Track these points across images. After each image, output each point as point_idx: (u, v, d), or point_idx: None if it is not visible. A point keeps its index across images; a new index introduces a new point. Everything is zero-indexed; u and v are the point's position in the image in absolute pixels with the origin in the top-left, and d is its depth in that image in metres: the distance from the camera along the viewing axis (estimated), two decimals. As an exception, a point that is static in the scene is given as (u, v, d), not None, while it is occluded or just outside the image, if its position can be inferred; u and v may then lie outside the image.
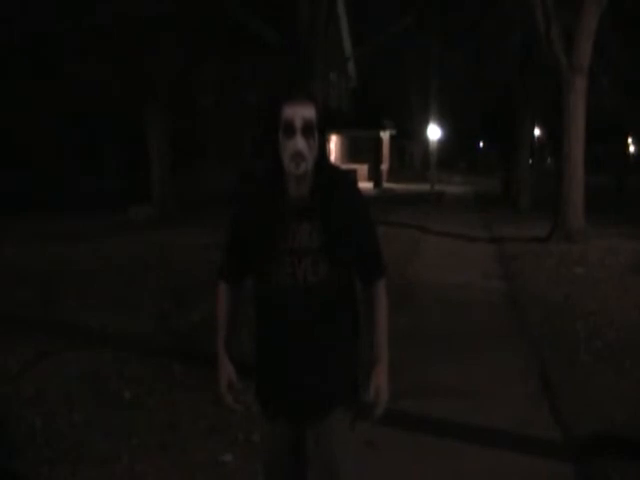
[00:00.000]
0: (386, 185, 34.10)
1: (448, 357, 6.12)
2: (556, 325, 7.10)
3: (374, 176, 32.89)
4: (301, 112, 2.26)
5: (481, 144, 59.79)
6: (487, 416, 4.76)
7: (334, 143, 32.20)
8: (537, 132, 45.96)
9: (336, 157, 32.41)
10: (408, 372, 5.43)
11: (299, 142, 2.24)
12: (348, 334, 2.46)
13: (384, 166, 35.58)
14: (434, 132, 35.48)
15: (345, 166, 30.81)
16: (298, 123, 2.25)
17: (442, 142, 42.42)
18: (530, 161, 25.09)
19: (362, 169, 32.60)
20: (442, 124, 39.07)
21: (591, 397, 5.06)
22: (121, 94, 18.06)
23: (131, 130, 19.21)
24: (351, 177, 2.51)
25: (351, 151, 34.68)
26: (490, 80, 26.34)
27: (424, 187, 33.19)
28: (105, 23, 15.79)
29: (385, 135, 36.13)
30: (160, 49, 16.58)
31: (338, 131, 31.30)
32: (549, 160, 57.73)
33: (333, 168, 2.47)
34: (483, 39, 25.22)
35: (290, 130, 2.25)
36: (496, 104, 25.63)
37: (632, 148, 48.57)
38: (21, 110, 19.20)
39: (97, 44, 16.60)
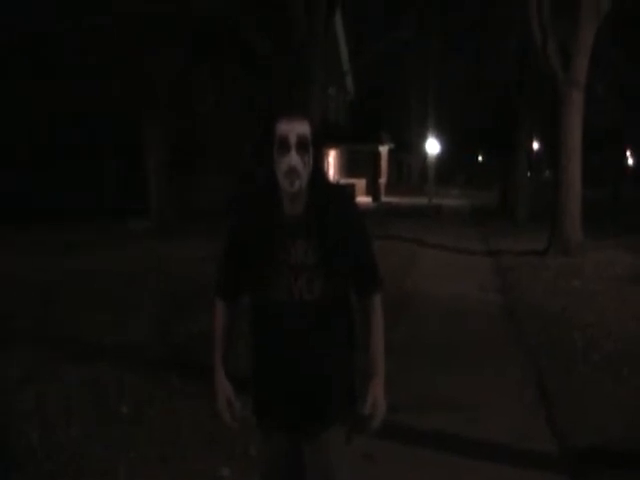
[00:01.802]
0: (384, 199, 34.16)
1: (445, 367, 6.15)
2: (553, 337, 7.12)
3: (372, 190, 32.96)
4: (295, 128, 2.28)
5: (480, 158, 59.86)
6: (484, 427, 4.79)
7: (332, 157, 32.28)
8: (535, 145, 45.99)
9: (334, 171, 32.49)
10: (405, 383, 5.46)
11: (293, 158, 2.27)
12: (343, 341, 2.49)
13: (382, 180, 35.68)
14: (433, 146, 35.59)
15: (343, 180, 30.87)
16: (292, 139, 2.27)
17: (440, 156, 42.52)
18: (528, 173, 25.11)
19: (360, 183, 32.68)
20: (440, 136, 39.17)
21: (588, 407, 5.09)
22: (121, 94, 18.09)
23: (131, 130, 19.21)
24: (347, 191, 2.55)
25: (349, 165, 34.78)
26: (490, 80, 26.34)
27: (422, 201, 33.24)
28: (105, 23, 15.83)
29: (383, 149, 36.26)
30: (160, 49, 16.61)
31: (336, 145, 31.38)
32: (547, 172, 57.83)
33: (328, 184, 2.50)
34: (483, 39, 25.24)
35: (284, 146, 2.28)
36: (496, 104, 25.60)
37: (630, 161, 48.64)
38: (21, 110, 19.21)
39: (97, 44, 16.64)
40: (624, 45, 22.22)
